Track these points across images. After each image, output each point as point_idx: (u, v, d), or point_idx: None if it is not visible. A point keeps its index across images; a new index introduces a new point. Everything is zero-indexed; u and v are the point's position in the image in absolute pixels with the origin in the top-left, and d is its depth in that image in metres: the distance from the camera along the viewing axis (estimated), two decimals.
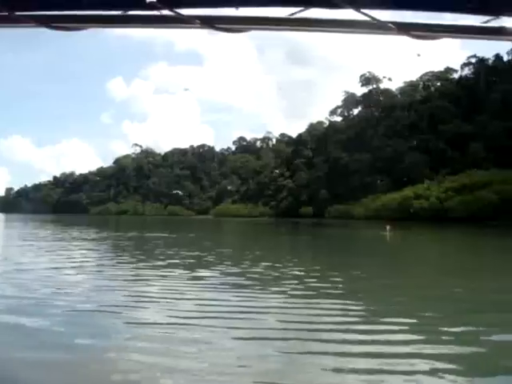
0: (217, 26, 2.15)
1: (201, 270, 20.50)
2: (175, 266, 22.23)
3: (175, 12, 2.11)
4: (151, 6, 2.07)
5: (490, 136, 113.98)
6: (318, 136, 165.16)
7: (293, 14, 2.08)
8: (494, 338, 10.22)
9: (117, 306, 13.01)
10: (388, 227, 54.96)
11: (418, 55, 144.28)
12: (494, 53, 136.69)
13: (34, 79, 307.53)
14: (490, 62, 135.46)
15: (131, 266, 22.25)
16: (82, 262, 23.48)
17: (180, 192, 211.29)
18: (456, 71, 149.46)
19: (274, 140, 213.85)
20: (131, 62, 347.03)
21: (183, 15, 2.11)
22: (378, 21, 2.00)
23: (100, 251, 31.20)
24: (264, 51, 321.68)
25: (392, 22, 2.03)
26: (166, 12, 2.08)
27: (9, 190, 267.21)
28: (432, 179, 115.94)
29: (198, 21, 2.12)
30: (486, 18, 2.02)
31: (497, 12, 1.98)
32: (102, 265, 22.71)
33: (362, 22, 2.04)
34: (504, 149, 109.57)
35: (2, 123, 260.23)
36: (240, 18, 2.15)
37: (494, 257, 31.48)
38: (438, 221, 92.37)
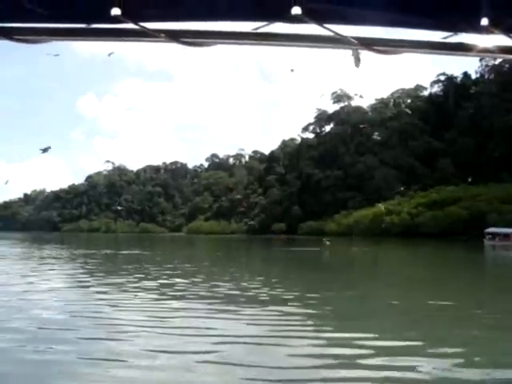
0: (182, 40, 2.20)
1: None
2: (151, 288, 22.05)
3: (140, 26, 2.11)
4: (116, 20, 2.07)
5: (459, 152, 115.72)
6: (290, 153, 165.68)
7: (257, 28, 2.15)
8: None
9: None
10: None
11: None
12: (463, 71, 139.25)
13: (3, 95, 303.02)
14: (459, 79, 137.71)
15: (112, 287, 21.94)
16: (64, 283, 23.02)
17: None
18: (426, 88, 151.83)
19: (247, 157, 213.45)
20: (102, 79, 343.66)
21: (148, 29, 2.12)
22: (341, 36, 2.08)
23: (81, 271, 30.52)
24: (237, 69, 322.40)
25: (354, 37, 2.13)
26: (131, 25, 2.14)
27: None
28: (403, 195, 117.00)
29: (163, 34, 2.16)
30: (446, 33, 2.14)
31: (456, 28, 2.10)
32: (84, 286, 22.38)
33: (326, 37, 2.10)
34: (472, 165, 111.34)
35: None
36: (205, 32, 2.21)
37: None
38: (410, 236, 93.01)
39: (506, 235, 74.36)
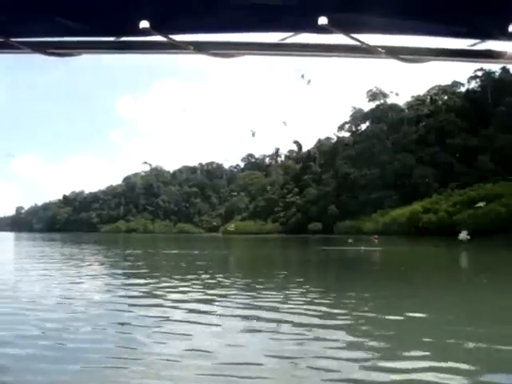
0: (210, 51, 2.25)
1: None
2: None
3: (169, 38, 2.22)
4: (145, 32, 2.14)
5: (498, 149, 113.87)
6: (326, 152, 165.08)
7: (284, 39, 2.19)
8: None
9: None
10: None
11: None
12: (501, 65, 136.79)
13: (43, 98, 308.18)
14: (497, 74, 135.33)
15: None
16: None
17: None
18: (463, 84, 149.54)
19: (283, 156, 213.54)
20: (139, 81, 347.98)
21: (177, 41, 2.18)
22: (367, 45, 2.10)
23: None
24: (272, 67, 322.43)
25: (381, 46, 2.16)
26: (159, 38, 2.18)
27: (19, 208, 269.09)
28: (440, 193, 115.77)
29: (191, 46, 2.23)
30: (473, 41, 2.14)
31: (483, 35, 2.09)
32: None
33: (352, 47, 2.14)
34: None
35: (13, 142, 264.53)
36: (233, 43, 2.26)
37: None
38: (448, 235, 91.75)
39: None
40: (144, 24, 2.08)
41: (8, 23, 2.28)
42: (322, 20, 1.99)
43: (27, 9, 2.26)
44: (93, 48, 2.43)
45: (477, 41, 2.12)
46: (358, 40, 2.06)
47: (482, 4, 2.03)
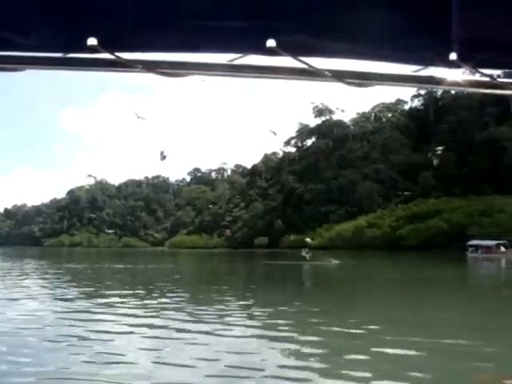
0: (158, 70, 2.20)
1: None
2: None
3: (117, 56, 2.12)
4: (92, 49, 2.08)
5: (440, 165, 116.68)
6: (272, 167, 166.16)
7: (232, 60, 2.16)
8: None
9: None
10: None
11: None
12: None
13: None
14: (438, 94, 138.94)
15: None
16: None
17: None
18: (406, 103, 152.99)
19: (229, 171, 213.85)
20: (85, 93, 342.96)
21: (125, 59, 2.13)
22: (315, 68, 2.11)
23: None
24: (218, 81, 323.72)
25: (328, 70, 2.16)
26: (107, 55, 2.12)
27: None
28: (384, 208, 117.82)
29: (139, 65, 2.18)
30: (417, 67, 2.20)
31: (426, 62, 2.17)
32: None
33: (300, 69, 2.14)
34: (453, 178, 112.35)
35: None
36: (182, 63, 2.21)
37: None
38: (391, 249, 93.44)
39: (488, 247, 75.72)
40: (92, 41, 2.05)
41: None
42: (271, 42, 2.01)
43: None
44: (38, 64, 2.31)
45: (420, 67, 2.20)
46: (306, 63, 2.09)
47: (426, 34, 2.11)
